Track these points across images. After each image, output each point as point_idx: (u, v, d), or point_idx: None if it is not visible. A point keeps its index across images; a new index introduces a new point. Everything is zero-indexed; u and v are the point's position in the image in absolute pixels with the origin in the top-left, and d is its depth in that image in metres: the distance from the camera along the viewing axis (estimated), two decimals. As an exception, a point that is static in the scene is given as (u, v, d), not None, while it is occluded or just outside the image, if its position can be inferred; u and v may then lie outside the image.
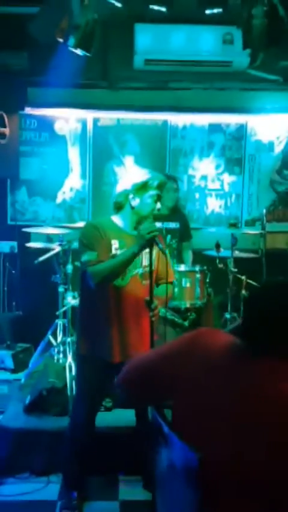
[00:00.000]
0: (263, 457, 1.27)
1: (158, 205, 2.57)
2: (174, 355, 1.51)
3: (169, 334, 3.24)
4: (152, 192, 2.53)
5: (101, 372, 2.62)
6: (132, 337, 2.60)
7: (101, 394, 2.79)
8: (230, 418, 1.32)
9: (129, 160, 4.74)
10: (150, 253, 2.47)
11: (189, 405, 1.43)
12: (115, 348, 2.57)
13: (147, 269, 2.56)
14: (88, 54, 3.26)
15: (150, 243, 2.44)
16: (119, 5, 3.19)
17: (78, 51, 3.19)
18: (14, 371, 4.00)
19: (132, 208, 2.56)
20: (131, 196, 2.55)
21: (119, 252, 2.53)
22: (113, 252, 2.53)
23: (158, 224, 2.79)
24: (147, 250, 2.52)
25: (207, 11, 3.24)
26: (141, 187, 2.53)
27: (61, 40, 3.09)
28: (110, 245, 2.53)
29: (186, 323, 3.65)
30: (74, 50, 3.19)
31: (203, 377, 1.41)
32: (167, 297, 2.56)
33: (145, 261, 2.57)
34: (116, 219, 2.63)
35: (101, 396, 2.82)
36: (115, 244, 2.54)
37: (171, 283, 2.82)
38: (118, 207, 2.63)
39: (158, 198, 2.56)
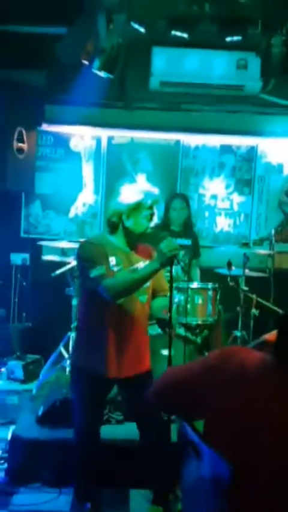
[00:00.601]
0: None
1: (152, 223, 2.60)
2: (210, 368, 1.58)
3: (180, 349, 3.29)
4: (146, 213, 2.56)
5: (95, 385, 2.63)
6: (129, 353, 2.62)
7: (97, 406, 2.76)
8: (266, 430, 1.39)
9: (141, 178, 4.84)
10: (171, 270, 2.49)
11: (224, 418, 1.50)
12: (111, 363, 2.58)
13: (147, 284, 2.60)
14: (111, 77, 3.37)
15: (171, 260, 2.46)
16: (142, 30, 3.31)
17: (102, 74, 3.31)
18: (23, 381, 4.05)
19: (126, 228, 2.58)
20: (124, 217, 2.57)
21: (116, 269, 2.56)
22: (112, 268, 2.54)
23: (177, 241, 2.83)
24: (142, 266, 2.56)
25: (228, 39, 3.36)
26: (135, 208, 2.55)
27: (86, 62, 3.20)
28: (108, 261, 2.54)
29: (198, 339, 3.72)
30: (97, 73, 3.31)
31: (238, 390, 1.48)
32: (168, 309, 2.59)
33: None
34: (111, 236, 2.65)
35: (98, 408, 2.79)
36: (112, 261, 2.56)
37: (165, 295, 2.80)
38: (112, 227, 2.63)
39: (151, 217, 2.59)
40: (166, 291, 2.75)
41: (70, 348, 3.90)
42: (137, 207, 2.55)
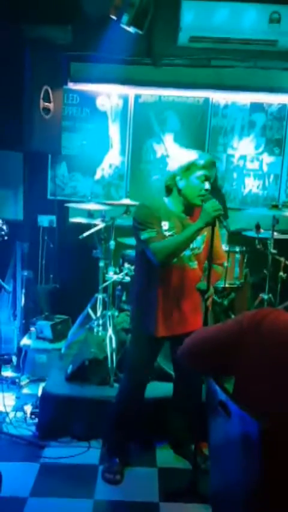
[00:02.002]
0: None
1: (207, 185, 2.57)
2: (239, 329, 1.59)
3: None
4: (199, 173, 2.55)
5: (146, 344, 2.76)
6: (177, 315, 2.71)
7: (148, 365, 2.89)
8: None
9: (169, 137, 4.75)
10: (213, 232, 2.52)
11: (255, 376, 1.51)
12: (160, 323, 2.68)
13: (196, 251, 2.65)
14: (140, 32, 3.26)
15: (214, 220, 2.49)
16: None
17: (131, 29, 3.19)
18: (52, 341, 4.14)
19: (179, 188, 2.60)
20: (178, 178, 2.59)
21: (168, 233, 2.59)
22: (163, 232, 2.58)
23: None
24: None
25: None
26: (187, 169, 2.56)
27: (114, 17, 3.08)
28: (161, 226, 2.58)
29: (225, 302, 3.71)
30: (126, 28, 3.19)
31: (271, 351, 1.48)
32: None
33: (193, 244, 2.63)
34: (167, 201, 2.69)
35: (149, 367, 2.91)
36: (165, 225, 2.60)
37: (222, 264, 2.88)
38: (168, 190, 2.68)
39: (206, 178, 2.57)
40: (223, 259, 2.80)
41: (97, 309, 3.96)
42: (189, 167, 2.56)
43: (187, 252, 2.65)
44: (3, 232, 2.97)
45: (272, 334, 1.51)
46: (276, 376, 1.50)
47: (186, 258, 2.67)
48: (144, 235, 2.54)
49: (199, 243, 2.68)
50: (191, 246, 2.64)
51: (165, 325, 2.69)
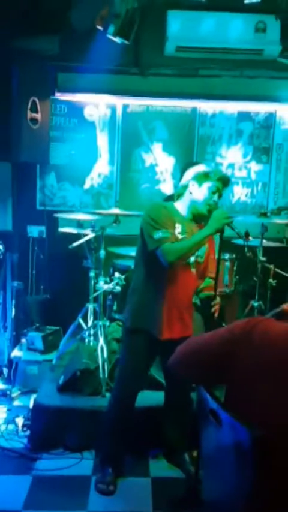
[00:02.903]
0: None
1: (215, 197, 2.67)
2: (231, 338, 1.59)
3: (197, 320, 3.32)
4: (211, 183, 2.65)
5: (148, 346, 2.75)
6: (177, 317, 2.74)
7: (145, 368, 2.88)
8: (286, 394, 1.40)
9: (157, 147, 4.77)
10: (221, 238, 2.57)
11: (247, 384, 1.51)
12: (164, 324, 2.70)
13: (199, 259, 2.73)
14: (127, 42, 3.28)
15: (223, 227, 2.56)
16: (157, -7, 3.20)
17: (117, 40, 3.22)
18: (43, 352, 4.11)
19: (190, 193, 2.67)
20: (191, 183, 2.68)
21: (180, 236, 2.63)
22: (176, 235, 2.62)
23: None
24: None
25: (246, 1, 3.24)
26: (203, 176, 2.67)
27: (101, 28, 3.11)
28: (174, 228, 2.63)
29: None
30: (112, 38, 3.22)
31: (262, 357, 1.49)
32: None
33: (198, 251, 2.69)
34: (177, 205, 2.74)
35: (145, 371, 2.89)
36: (178, 228, 2.64)
37: (212, 278, 2.92)
38: (178, 194, 2.75)
39: (217, 190, 2.67)
40: (213, 274, 2.88)
41: (88, 319, 3.95)
42: (204, 176, 2.66)
43: (192, 259, 2.71)
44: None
45: (263, 343, 1.52)
46: (269, 384, 1.50)
47: (191, 264, 2.72)
48: (158, 234, 2.56)
49: (202, 252, 2.74)
50: (196, 253, 2.69)
51: (169, 328, 2.71)
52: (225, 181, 2.70)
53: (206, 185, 2.65)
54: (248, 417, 1.51)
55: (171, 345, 2.55)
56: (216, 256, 2.78)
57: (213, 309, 2.71)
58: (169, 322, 2.71)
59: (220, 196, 2.71)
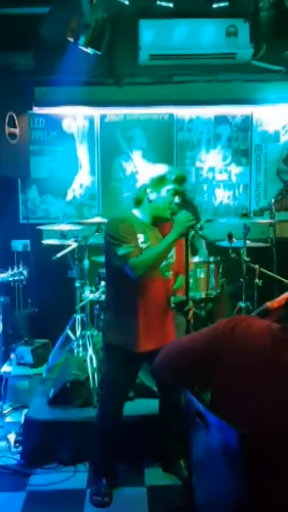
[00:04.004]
0: None
1: (176, 199, 2.61)
2: (214, 337, 1.58)
3: (183, 324, 3.31)
4: (169, 186, 2.59)
5: (127, 361, 2.71)
6: (157, 326, 2.70)
7: (128, 382, 2.86)
8: (271, 393, 1.40)
9: (137, 154, 4.80)
10: (186, 242, 2.54)
11: (232, 384, 1.51)
12: (141, 338, 2.65)
13: (170, 260, 2.66)
14: (98, 53, 3.31)
15: (188, 230, 2.52)
16: (126, 2, 3.23)
17: (89, 50, 3.24)
18: (33, 366, 4.07)
19: (150, 201, 2.62)
20: (148, 190, 2.61)
21: (144, 246, 2.59)
22: (140, 245, 2.58)
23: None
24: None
25: (214, 5, 3.28)
26: (158, 181, 2.59)
27: (71, 39, 3.13)
28: (136, 239, 2.59)
29: (202, 313, 3.72)
30: (84, 49, 3.24)
31: (245, 356, 1.48)
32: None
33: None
34: (137, 213, 2.70)
35: (129, 384, 2.88)
36: (140, 238, 2.60)
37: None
38: (137, 202, 2.69)
39: (176, 192, 2.61)
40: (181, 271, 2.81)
41: (76, 330, 3.93)
42: (160, 180, 2.59)
43: (163, 263, 2.67)
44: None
45: (245, 341, 1.52)
46: (253, 383, 1.49)
47: (163, 268, 2.68)
48: (121, 251, 2.52)
49: (172, 252, 2.69)
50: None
51: (147, 340, 2.66)
52: (182, 180, 2.64)
53: (165, 189, 2.58)
54: (235, 419, 1.50)
55: (155, 352, 2.58)
56: (171, 261, 2.69)
57: (189, 316, 2.62)
58: (147, 334, 2.65)
59: (181, 194, 2.64)
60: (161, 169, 2.63)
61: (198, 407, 1.69)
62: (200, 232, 2.59)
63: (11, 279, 3.56)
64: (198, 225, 2.59)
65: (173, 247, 2.59)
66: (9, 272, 3.55)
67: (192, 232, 2.59)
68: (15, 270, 3.55)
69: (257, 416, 1.46)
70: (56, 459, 3.16)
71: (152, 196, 2.61)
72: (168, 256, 2.65)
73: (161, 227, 2.69)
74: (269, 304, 1.94)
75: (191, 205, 4.50)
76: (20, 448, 3.26)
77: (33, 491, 2.91)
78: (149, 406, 3.21)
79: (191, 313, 2.65)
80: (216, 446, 1.63)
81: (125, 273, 2.53)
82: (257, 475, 1.45)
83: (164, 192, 2.59)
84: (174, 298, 2.72)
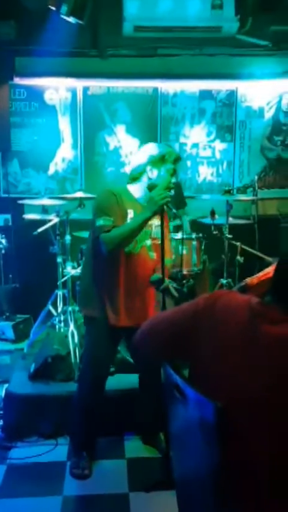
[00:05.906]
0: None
1: (173, 179, 2.64)
2: (195, 312, 1.59)
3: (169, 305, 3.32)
4: (169, 166, 2.61)
5: (106, 335, 2.72)
6: (138, 304, 2.71)
7: (107, 355, 2.86)
8: (249, 366, 1.41)
9: (120, 129, 4.73)
10: (162, 221, 2.52)
11: (211, 358, 1.52)
12: (122, 312, 2.66)
13: (157, 242, 2.66)
14: (81, 22, 3.22)
15: (162, 208, 2.51)
16: None
17: (71, 19, 3.15)
18: (14, 341, 4.08)
19: (150, 179, 2.61)
20: (148, 168, 2.60)
21: None
22: (128, 221, 2.57)
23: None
24: (157, 223, 2.59)
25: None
26: (159, 160, 2.60)
27: (53, 8, 3.04)
28: (126, 214, 2.57)
29: (184, 289, 3.74)
30: (66, 18, 3.14)
31: (225, 330, 1.49)
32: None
33: (154, 234, 2.66)
34: (132, 189, 2.67)
35: (108, 358, 2.88)
36: (130, 214, 2.58)
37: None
38: (133, 178, 2.66)
39: (174, 172, 2.64)
40: (168, 254, 2.82)
41: (58, 306, 3.92)
42: (161, 159, 2.59)
43: (149, 242, 2.67)
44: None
45: (225, 315, 1.52)
46: (231, 357, 1.51)
47: (148, 248, 2.67)
48: (99, 222, 2.51)
49: (158, 233, 2.66)
50: (152, 236, 2.66)
51: (127, 315, 2.67)
52: (178, 161, 2.68)
53: (164, 169, 2.60)
54: (213, 392, 1.52)
55: (135, 329, 2.59)
56: (157, 242, 2.66)
57: (168, 293, 2.63)
58: (128, 310, 2.66)
59: (176, 175, 2.69)
60: (157, 148, 2.63)
61: (176, 380, 1.71)
62: (174, 210, 2.58)
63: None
64: (182, 211, 2.58)
65: (145, 224, 2.55)
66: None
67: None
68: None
69: (235, 389, 1.48)
70: (37, 433, 3.18)
71: (152, 174, 2.60)
72: (155, 236, 2.65)
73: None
74: (248, 280, 1.96)
75: (175, 182, 4.46)
76: (1, 422, 3.28)
77: (13, 464, 2.93)
78: (129, 380, 3.24)
79: (172, 291, 2.65)
80: (194, 420, 1.65)
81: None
82: (233, 448, 1.48)
83: (163, 171, 2.60)
84: (152, 277, 2.72)
